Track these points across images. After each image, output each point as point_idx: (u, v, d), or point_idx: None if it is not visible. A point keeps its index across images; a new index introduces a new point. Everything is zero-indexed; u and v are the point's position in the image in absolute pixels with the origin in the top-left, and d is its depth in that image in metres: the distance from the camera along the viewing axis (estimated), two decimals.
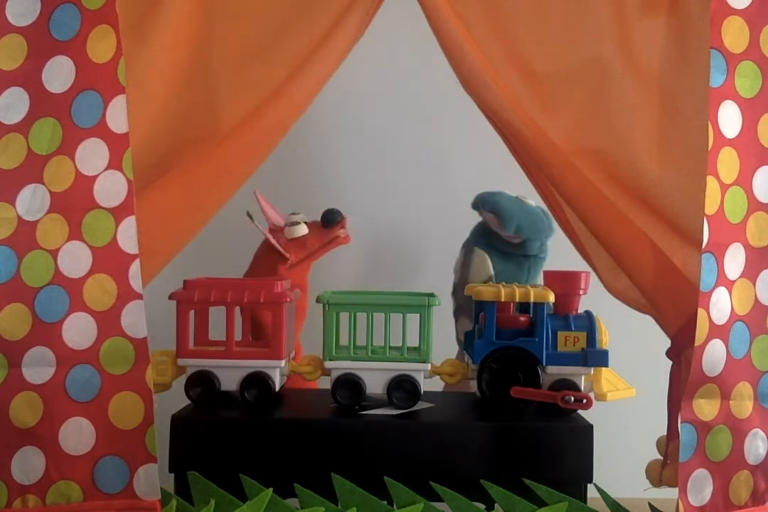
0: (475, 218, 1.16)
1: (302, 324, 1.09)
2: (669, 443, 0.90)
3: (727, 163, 0.82)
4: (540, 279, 1.13)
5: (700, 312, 0.80)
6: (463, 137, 1.32)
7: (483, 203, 1.13)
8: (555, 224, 1.09)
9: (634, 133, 0.91)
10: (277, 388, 0.91)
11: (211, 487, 0.82)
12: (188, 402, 0.90)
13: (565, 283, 0.93)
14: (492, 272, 1.11)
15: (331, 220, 1.10)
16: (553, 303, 0.92)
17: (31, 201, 0.79)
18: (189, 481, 0.83)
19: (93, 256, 0.79)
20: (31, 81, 0.80)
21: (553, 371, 0.90)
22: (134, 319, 0.79)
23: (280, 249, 1.07)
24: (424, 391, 0.91)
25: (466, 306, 1.10)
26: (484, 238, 1.14)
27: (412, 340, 0.91)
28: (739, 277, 0.82)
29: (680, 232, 0.90)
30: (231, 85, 0.90)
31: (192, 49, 0.89)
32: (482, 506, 0.84)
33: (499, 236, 1.12)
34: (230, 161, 0.90)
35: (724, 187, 0.82)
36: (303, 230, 1.09)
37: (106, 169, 0.80)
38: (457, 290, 1.13)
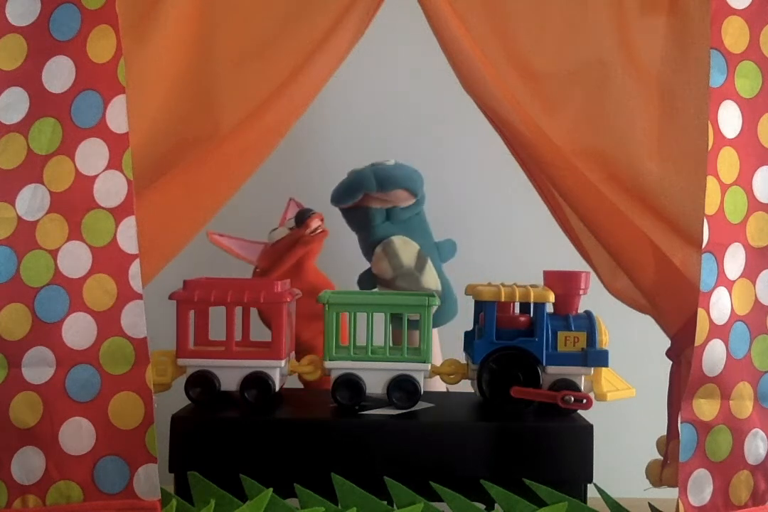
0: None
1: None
2: (669, 443, 0.90)
3: (727, 163, 0.82)
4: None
5: (700, 312, 0.80)
6: (463, 136, 1.32)
7: (387, 184, 1.10)
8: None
9: (634, 133, 0.91)
10: (277, 388, 0.91)
11: (211, 487, 0.82)
12: (188, 402, 0.90)
13: (565, 283, 0.93)
14: (417, 246, 1.11)
15: (299, 219, 1.10)
16: (553, 303, 0.92)
17: (31, 201, 0.79)
18: (189, 481, 0.83)
19: (93, 256, 0.79)
20: (31, 81, 0.80)
21: (553, 371, 0.90)
22: (134, 319, 0.79)
23: (242, 255, 1.07)
24: (424, 391, 0.91)
25: (416, 286, 1.10)
26: (383, 221, 1.13)
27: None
28: (739, 277, 0.82)
29: (680, 232, 0.90)
30: (231, 85, 0.90)
31: (192, 49, 0.89)
32: (482, 506, 0.84)
33: (392, 209, 1.12)
34: (230, 161, 0.90)
35: (724, 187, 0.82)
36: (278, 235, 1.10)
37: (106, 169, 0.80)
38: (399, 279, 1.11)
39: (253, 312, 0.96)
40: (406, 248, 1.11)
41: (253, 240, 1.12)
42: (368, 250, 1.15)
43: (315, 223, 1.09)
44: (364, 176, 1.10)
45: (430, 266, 1.11)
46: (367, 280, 1.15)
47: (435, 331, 1.11)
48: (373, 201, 1.11)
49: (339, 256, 1.27)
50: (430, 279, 1.11)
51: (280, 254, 1.08)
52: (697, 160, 0.85)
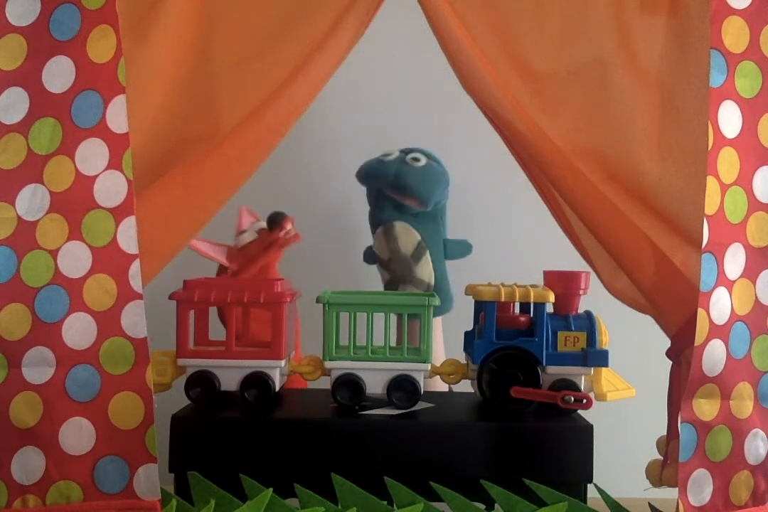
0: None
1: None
2: (669, 443, 0.90)
3: (727, 163, 0.82)
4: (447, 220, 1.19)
5: (700, 312, 0.79)
6: (463, 136, 1.32)
7: (401, 189, 1.13)
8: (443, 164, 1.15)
9: (634, 133, 0.91)
10: (277, 388, 0.91)
11: (211, 487, 0.82)
12: (188, 402, 0.90)
13: (565, 283, 0.93)
14: (419, 237, 1.14)
15: (271, 222, 1.10)
16: (553, 303, 0.92)
17: (31, 201, 0.79)
18: (189, 481, 0.83)
19: (93, 256, 0.79)
20: (31, 81, 0.80)
21: (553, 371, 0.90)
22: (134, 319, 0.79)
23: (216, 258, 1.08)
24: (424, 391, 0.91)
25: (408, 273, 1.13)
26: (391, 207, 1.16)
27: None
28: (739, 277, 0.82)
29: (680, 232, 0.90)
30: (231, 85, 0.90)
31: (192, 49, 0.89)
32: (482, 506, 0.84)
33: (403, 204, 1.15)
34: (230, 161, 0.90)
35: (724, 187, 0.81)
36: (247, 238, 1.10)
37: (106, 169, 0.80)
38: (393, 262, 1.15)
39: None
40: (406, 235, 1.14)
41: (218, 242, 1.12)
42: (373, 226, 1.18)
43: (289, 225, 1.11)
44: (384, 173, 1.14)
45: (427, 258, 1.15)
46: (371, 255, 1.20)
47: (438, 320, 1.14)
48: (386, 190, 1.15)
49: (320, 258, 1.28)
50: (425, 271, 1.14)
51: (251, 257, 1.09)
52: (697, 160, 0.85)
